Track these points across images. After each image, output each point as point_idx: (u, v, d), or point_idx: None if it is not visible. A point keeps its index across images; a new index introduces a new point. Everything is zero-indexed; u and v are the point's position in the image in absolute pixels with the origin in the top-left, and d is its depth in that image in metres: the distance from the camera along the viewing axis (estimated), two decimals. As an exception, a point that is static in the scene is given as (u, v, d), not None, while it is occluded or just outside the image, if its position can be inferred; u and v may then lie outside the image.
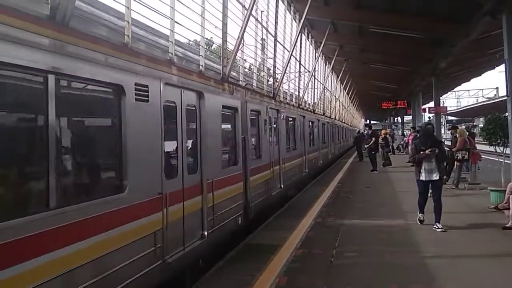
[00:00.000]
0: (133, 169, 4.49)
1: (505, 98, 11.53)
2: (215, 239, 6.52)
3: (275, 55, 13.45)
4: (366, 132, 23.26)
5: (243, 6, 9.71)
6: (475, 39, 15.39)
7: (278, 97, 12.39)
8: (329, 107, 28.02)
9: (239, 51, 9.07)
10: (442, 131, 33.78)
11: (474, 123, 54.11)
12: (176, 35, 5.93)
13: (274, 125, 11.32)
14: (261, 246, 7.05)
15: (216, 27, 7.89)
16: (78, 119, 4.29)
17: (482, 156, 13.80)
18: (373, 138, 19.56)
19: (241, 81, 9.48)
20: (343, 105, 37.97)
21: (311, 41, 22.22)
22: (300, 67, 18.63)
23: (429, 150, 7.62)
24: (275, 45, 13.46)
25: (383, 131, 23.22)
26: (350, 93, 41.71)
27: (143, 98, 4.74)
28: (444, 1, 13.64)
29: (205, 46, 7.34)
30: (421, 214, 8.06)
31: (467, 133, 13.30)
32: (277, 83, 12.67)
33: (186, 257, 5.56)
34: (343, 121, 36.96)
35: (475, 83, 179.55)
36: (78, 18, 3.99)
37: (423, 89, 30.26)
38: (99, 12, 4.80)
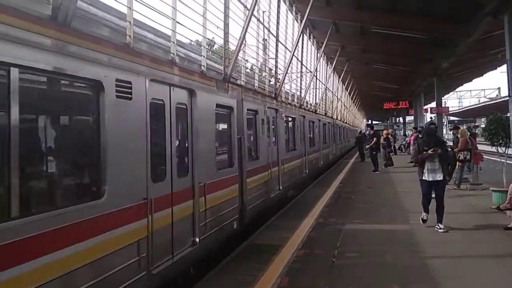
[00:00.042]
0: (113, 172, 4.10)
1: (507, 98, 11.54)
2: (207, 245, 6.21)
3: (276, 56, 13.47)
4: (368, 132, 23.20)
5: (245, 7, 9.73)
6: (477, 39, 15.42)
7: (280, 97, 12.34)
8: (331, 107, 28.01)
9: (241, 51, 9.07)
10: (444, 132, 33.66)
11: (476, 124, 54.06)
12: (178, 35, 5.93)
13: (273, 125, 10.92)
14: (263, 246, 7.03)
15: (218, 27, 7.90)
16: (47, 116, 3.90)
17: (484, 156, 13.77)
18: (375, 139, 19.55)
19: (238, 79, 9.26)
20: (344, 105, 37.97)
21: (313, 41, 22.22)
22: (302, 68, 18.64)
23: (432, 150, 7.56)
24: (276, 45, 13.46)
25: (384, 132, 23.16)
26: (352, 94, 41.71)
27: (126, 95, 4.39)
28: (444, 1, 13.66)
29: (207, 47, 7.31)
30: (425, 214, 7.99)
31: (469, 133, 13.28)
32: (278, 83, 12.67)
33: (176, 265, 5.26)
34: (345, 121, 36.91)
35: (477, 83, 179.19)
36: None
37: (425, 89, 30.30)
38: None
